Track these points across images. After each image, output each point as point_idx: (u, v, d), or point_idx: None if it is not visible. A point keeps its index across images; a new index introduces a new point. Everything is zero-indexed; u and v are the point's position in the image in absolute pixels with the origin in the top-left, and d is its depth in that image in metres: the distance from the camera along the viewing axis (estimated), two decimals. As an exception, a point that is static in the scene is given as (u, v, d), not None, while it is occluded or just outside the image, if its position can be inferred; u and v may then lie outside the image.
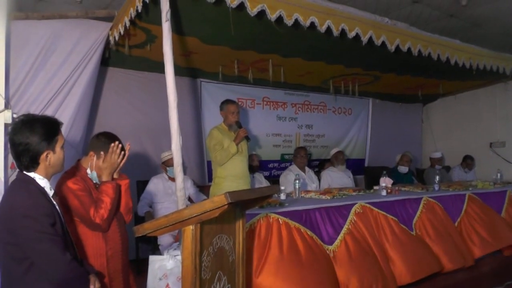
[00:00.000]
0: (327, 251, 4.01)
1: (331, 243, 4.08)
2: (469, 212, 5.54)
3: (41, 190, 2.23)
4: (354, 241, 4.19)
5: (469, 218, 5.47)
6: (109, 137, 2.94)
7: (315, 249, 3.87)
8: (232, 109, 4.90)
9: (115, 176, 2.95)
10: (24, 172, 2.26)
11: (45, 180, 2.29)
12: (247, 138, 4.80)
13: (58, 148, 2.31)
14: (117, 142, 2.88)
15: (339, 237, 4.14)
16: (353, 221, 4.33)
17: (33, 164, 2.24)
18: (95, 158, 2.88)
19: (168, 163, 5.19)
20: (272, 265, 3.54)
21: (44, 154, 2.24)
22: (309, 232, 3.94)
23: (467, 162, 8.21)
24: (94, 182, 2.91)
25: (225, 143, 4.72)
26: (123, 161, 2.93)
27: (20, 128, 2.22)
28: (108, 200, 2.77)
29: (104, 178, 2.85)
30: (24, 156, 2.22)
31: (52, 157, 2.28)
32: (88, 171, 2.89)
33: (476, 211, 5.58)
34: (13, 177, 2.99)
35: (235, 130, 4.81)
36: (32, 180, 2.24)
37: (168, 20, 3.40)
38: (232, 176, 4.77)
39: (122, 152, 2.90)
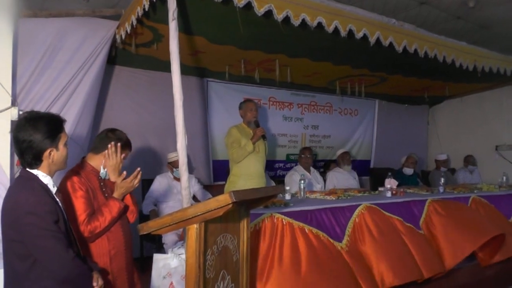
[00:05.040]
0: (338, 247, 4.01)
1: (340, 241, 4.08)
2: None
3: (44, 187, 2.23)
4: (361, 240, 4.20)
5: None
6: (117, 136, 2.97)
7: (322, 246, 3.85)
8: (251, 106, 5.00)
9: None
10: (28, 169, 2.26)
11: (48, 177, 2.29)
12: (263, 137, 4.86)
13: (61, 145, 2.32)
14: (112, 143, 2.87)
15: (346, 235, 4.14)
16: (357, 221, 4.32)
17: (36, 162, 2.25)
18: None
19: (175, 164, 5.19)
20: (277, 270, 3.52)
21: (47, 151, 2.25)
22: (314, 231, 3.92)
23: (468, 160, 8.25)
24: (103, 178, 2.93)
25: (243, 142, 4.79)
26: (137, 183, 2.92)
27: (23, 125, 2.22)
28: (108, 217, 2.75)
29: (115, 195, 2.85)
30: (27, 153, 2.22)
31: (55, 155, 2.28)
32: (102, 170, 2.91)
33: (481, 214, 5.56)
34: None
35: (253, 129, 4.87)
36: (35, 177, 2.24)
37: (175, 19, 3.41)
38: (246, 174, 4.83)
39: (136, 180, 2.90)
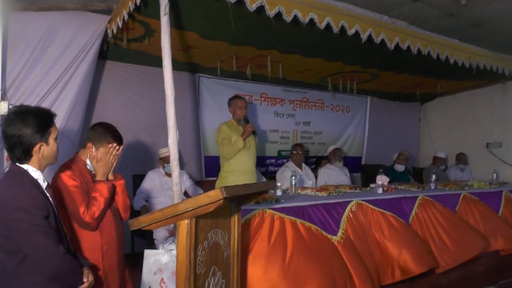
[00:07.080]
0: (332, 240, 4.02)
1: (334, 234, 4.09)
2: (463, 211, 5.55)
3: (34, 182, 2.21)
4: (356, 235, 4.24)
5: (463, 217, 5.48)
6: (106, 128, 2.93)
7: (313, 237, 3.85)
8: (240, 104, 5.00)
9: (110, 177, 2.92)
10: (17, 164, 2.24)
11: (38, 172, 2.27)
12: (253, 132, 4.88)
13: (51, 140, 2.29)
14: (115, 144, 2.86)
15: (341, 229, 4.15)
16: (349, 217, 4.34)
17: (26, 156, 2.22)
18: (93, 149, 2.87)
19: (167, 159, 5.17)
20: (261, 258, 3.52)
21: (37, 146, 2.23)
22: (307, 224, 3.92)
23: (460, 158, 8.34)
24: (93, 173, 2.90)
25: (233, 138, 4.80)
26: (113, 158, 2.88)
27: (12, 119, 2.20)
28: (102, 199, 2.75)
29: (98, 178, 2.83)
30: (17, 148, 2.20)
31: (45, 149, 2.26)
32: (88, 162, 2.88)
33: (472, 211, 5.59)
34: (7, 170, 2.98)
35: (243, 125, 4.87)
36: (25, 172, 2.22)
37: (166, 14, 3.39)
38: (238, 171, 4.85)
39: (111, 155, 2.86)
